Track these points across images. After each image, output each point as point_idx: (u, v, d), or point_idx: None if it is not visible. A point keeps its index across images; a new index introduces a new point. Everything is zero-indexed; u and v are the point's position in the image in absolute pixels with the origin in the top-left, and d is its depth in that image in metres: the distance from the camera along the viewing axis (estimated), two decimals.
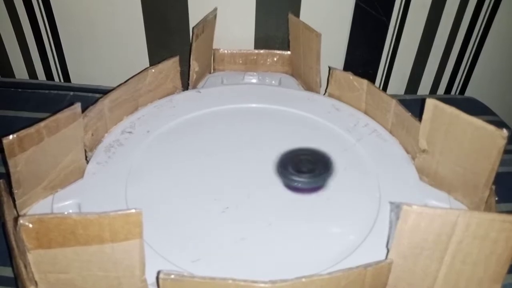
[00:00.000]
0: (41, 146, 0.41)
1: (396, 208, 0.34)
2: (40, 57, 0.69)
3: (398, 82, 0.73)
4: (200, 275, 0.31)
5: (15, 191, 0.41)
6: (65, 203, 0.43)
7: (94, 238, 0.31)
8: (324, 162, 0.49)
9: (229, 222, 0.43)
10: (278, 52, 0.66)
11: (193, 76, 0.60)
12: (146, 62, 0.69)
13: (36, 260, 0.32)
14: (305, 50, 0.62)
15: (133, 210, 0.31)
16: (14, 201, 0.41)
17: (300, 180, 0.47)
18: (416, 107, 0.48)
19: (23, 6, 0.64)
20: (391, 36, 0.67)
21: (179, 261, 0.38)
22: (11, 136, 0.38)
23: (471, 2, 0.65)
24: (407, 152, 0.51)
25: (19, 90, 0.67)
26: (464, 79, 0.74)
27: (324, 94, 0.61)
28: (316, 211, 0.44)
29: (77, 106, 0.43)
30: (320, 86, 0.61)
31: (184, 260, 0.38)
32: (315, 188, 0.47)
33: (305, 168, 0.48)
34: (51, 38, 0.67)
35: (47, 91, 0.66)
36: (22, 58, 0.70)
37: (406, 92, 0.74)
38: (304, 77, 0.64)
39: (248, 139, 0.52)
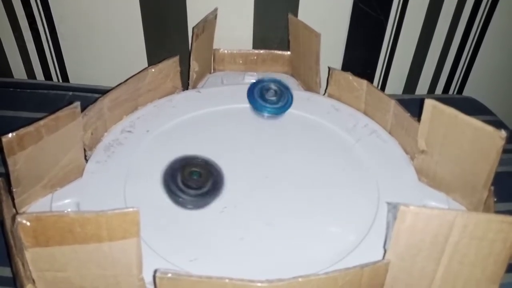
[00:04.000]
0: (40, 144, 0.41)
1: (393, 208, 0.34)
2: (39, 57, 0.69)
3: (396, 82, 0.73)
4: (197, 274, 0.31)
5: (14, 189, 0.41)
6: (64, 201, 0.43)
7: (91, 236, 0.31)
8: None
9: (227, 222, 0.43)
10: (278, 52, 0.66)
11: (193, 76, 0.60)
12: (144, 62, 0.68)
13: (34, 258, 0.32)
14: (304, 50, 0.61)
15: (131, 209, 0.31)
16: (13, 199, 0.41)
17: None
18: (414, 107, 0.48)
19: (21, 6, 0.64)
20: (389, 36, 0.67)
21: (177, 260, 0.38)
22: (10, 135, 0.38)
23: (469, 2, 0.65)
24: (406, 153, 0.51)
25: (18, 90, 0.67)
26: (462, 78, 0.74)
27: (324, 94, 0.61)
28: (315, 211, 0.44)
29: (77, 105, 0.43)
30: (320, 86, 0.61)
31: (182, 259, 0.38)
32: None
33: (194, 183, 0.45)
34: (50, 38, 0.67)
35: (46, 91, 0.66)
36: (20, 58, 0.69)
37: (404, 92, 0.74)
38: (304, 77, 0.64)
39: (247, 139, 0.52)
